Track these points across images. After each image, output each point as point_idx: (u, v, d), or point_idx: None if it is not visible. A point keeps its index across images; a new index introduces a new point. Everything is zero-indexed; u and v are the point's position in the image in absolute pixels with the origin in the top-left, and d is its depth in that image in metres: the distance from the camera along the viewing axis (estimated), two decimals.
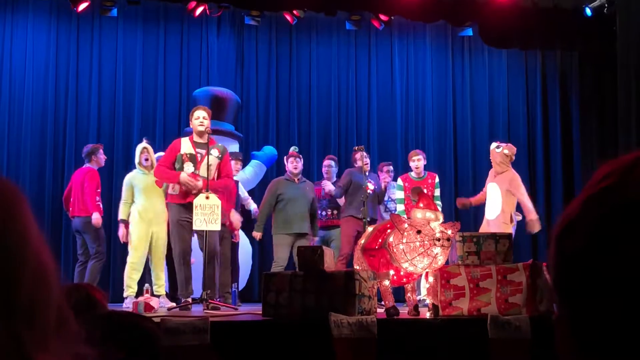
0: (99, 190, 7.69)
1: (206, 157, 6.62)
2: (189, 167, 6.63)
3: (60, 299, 0.68)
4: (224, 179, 6.88)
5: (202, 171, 6.62)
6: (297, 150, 8.41)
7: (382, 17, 10.20)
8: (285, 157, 8.32)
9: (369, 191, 7.72)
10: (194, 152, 6.68)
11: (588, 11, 10.22)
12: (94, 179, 7.65)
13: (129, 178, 7.53)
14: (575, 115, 10.93)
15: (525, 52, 11.06)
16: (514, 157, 7.77)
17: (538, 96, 11.03)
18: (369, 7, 10.12)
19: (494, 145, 7.86)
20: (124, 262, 7.67)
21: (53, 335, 0.66)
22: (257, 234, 8.06)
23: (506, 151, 7.72)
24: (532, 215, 7.59)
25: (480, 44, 10.91)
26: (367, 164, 8.04)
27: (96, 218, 7.53)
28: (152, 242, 7.34)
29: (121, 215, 7.45)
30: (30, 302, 0.64)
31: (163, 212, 7.28)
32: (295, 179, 7.97)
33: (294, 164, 8.02)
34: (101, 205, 7.71)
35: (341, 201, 8.28)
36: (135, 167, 7.62)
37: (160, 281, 7.39)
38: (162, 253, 7.39)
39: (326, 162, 8.73)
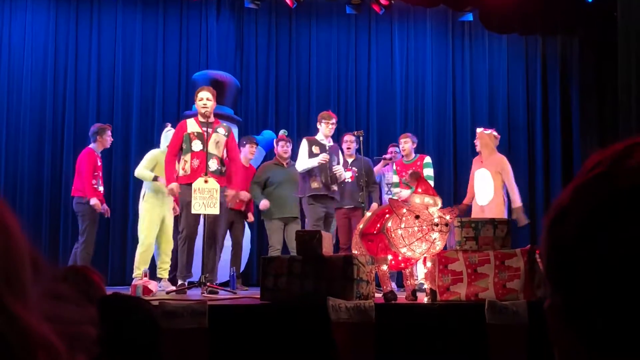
0: (97, 173, 7.54)
1: (213, 134, 6.60)
2: (197, 145, 6.56)
3: (29, 248, 0.67)
4: (235, 168, 6.81)
5: (211, 148, 6.57)
6: (286, 133, 8.38)
7: (383, 1, 10.15)
8: (274, 140, 8.27)
9: (347, 180, 7.73)
10: (201, 131, 6.60)
11: None
12: (90, 162, 7.47)
13: (156, 156, 7.43)
14: (575, 101, 10.90)
15: (526, 38, 11.02)
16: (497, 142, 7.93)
17: (538, 81, 11.00)
18: None
19: (480, 129, 8.01)
20: (122, 246, 7.67)
21: (30, 284, 0.66)
22: (264, 203, 7.77)
23: (495, 133, 7.90)
24: (517, 202, 7.68)
25: (480, 29, 10.86)
26: (349, 148, 8.02)
27: (94, 203, 7.38)
28: (161, 224, 7.36)
29: (153, 175, 7.31)
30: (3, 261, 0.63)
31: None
32: (284, 163, 7.93)
33: (284, 148, 7.97)
34: (100, 188, 7.59)
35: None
36: (159, 147, 7.60)
37: (166, 265, 7.38)
38: (170, 236, 7.39)
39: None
